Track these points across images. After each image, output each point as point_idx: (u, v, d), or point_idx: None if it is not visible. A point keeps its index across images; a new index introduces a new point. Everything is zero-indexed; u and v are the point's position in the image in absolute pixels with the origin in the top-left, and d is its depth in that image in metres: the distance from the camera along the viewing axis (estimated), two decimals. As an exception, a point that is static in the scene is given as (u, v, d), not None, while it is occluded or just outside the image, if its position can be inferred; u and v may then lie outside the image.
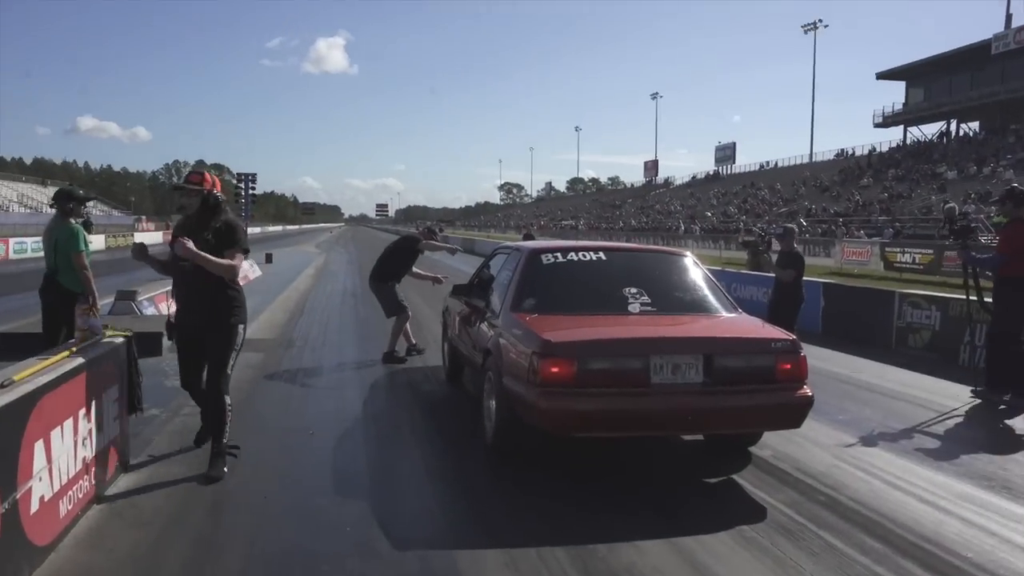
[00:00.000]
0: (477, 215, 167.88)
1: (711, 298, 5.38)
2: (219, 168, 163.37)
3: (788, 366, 4.50)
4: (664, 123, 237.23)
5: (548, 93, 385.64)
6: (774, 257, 15.28)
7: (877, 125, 61.39)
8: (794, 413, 4.55)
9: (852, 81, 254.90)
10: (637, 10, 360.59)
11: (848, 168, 56.94)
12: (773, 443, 5.33)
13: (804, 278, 8.39)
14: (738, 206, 59.13)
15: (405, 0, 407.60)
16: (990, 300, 7.14)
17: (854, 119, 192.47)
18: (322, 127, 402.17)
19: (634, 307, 5.04)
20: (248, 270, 20.07)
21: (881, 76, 60.63)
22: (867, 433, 5.82)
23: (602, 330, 4.73)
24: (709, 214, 59.17)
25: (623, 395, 4.33)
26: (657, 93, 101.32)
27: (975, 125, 55.53)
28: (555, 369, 4.29)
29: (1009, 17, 49.14)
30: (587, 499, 4.32)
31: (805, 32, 68.27)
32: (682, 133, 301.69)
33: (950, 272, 20.20)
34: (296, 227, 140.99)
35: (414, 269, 9.10)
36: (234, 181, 27.77)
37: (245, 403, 6.33)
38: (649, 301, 5.08)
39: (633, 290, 5.13)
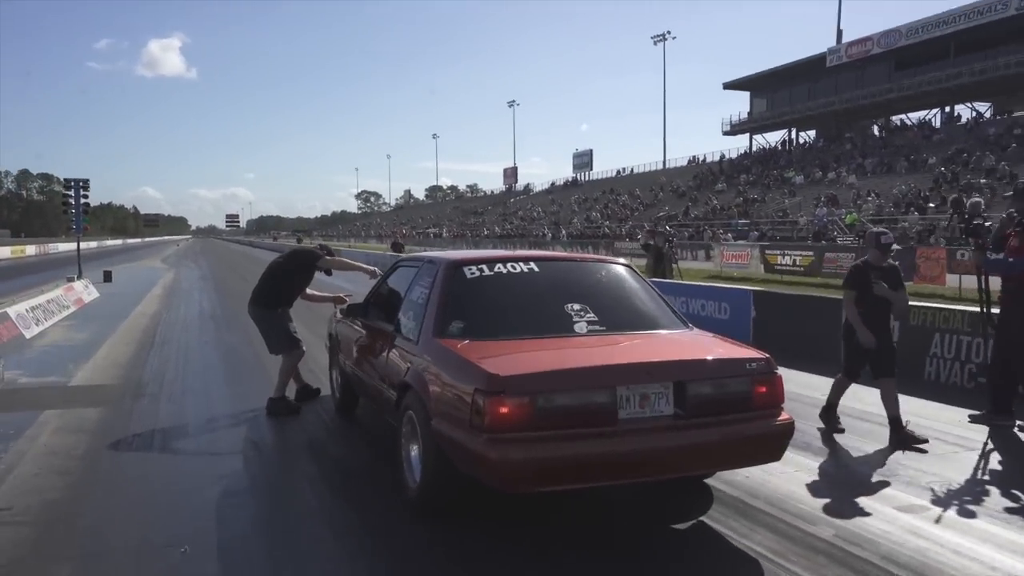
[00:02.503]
0: (334, 224, 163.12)
1: (661, 313, 4.75)
2: (46, 178, 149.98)
3: (764, 389, 3.96)
4: (518, 132, 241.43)
5: (405, 100, 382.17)
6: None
7: (726, 133, 64.02)
8: (775, 444, 3.99)
9: (701, 90, 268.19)
10: (493, 18, 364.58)
11: (701, 174, 58.82)
12: (821, 513, 4.17)
13: (726, 286, 7.27)
14: (600, 211, 59.80)
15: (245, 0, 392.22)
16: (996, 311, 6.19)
17: (703, 127, 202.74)
18: (162, 134, 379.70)
19: (580, 327, 4.33)
20: (82, 291, 17.26)
21: (727, 86, 63.09)
22: (910, 482, 4.73)
23: (557, 357, 3.96)
24: (575, 220, 59.43)
25: (588, 437, 3.61)
26: (514, 101, 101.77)
27: (812, 133, 58.83)
28: (505, 409, 3.52)
29: (840, 32, 52.42)
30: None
31: (655, 43, 70.00)
32: (534, 142, 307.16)
33: (830, 274, 20.46)
34: (138, 240, 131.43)
35: (308, 291, 7.31)
36: (62, 190, 24.11)
37: (75, 497, 4.41)
38: (596, 319, 4.39)
39: (576, 306, 4.44)
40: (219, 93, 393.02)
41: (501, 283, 4.63)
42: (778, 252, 23.07)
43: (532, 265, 4.81)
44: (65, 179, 22.62)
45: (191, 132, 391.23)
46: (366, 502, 4.46)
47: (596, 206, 63.34)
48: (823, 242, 27.79)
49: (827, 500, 4.39)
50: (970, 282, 9.44)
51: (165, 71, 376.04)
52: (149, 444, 5.59)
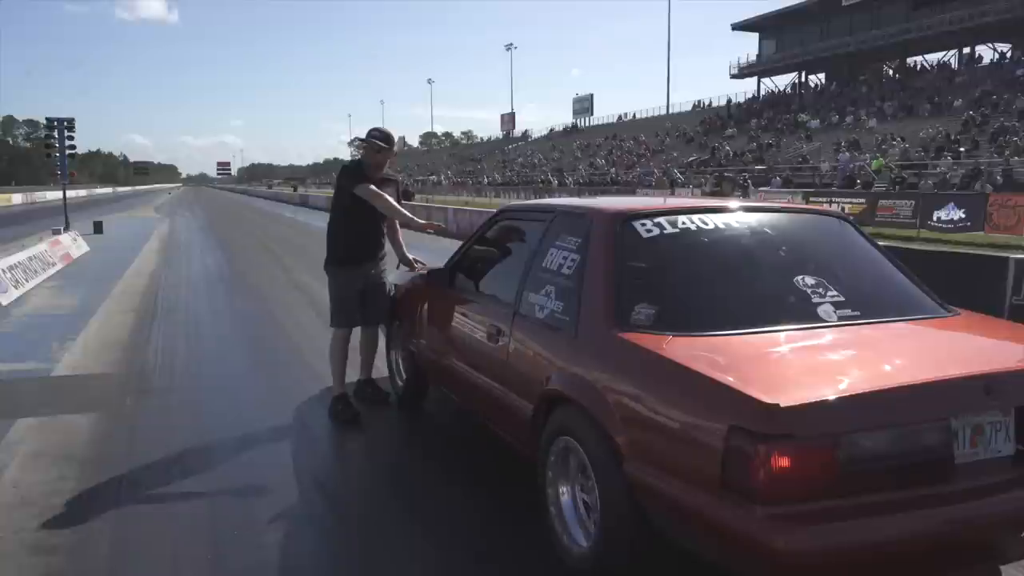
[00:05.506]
0: (328, 172, 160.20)
1: (910, 289, 3.29)
2: (32, 124, 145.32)
3: None
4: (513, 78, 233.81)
5: (399, 44, 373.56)
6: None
7: (733, 76, 62.59)
8: None
9: (704, 35, 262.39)
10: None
11: (709, 119, 57.13)
12: None
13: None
14: (604, 157, 58.09)
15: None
16: None
17: (706, 74, 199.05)
18: (147, 80, 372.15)
19: (826, 311, 2.89)
20: (70, 245, 15.60)
21: (736, 27, 61.40)
22: None
23: (848, 369, 2.52)
24: (579, 167, 57.61)
25: (917, 504, 2.29)
26: (512, 44, 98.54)
27: (823, 76, 57.11)
28: (792, 463, 2.17)
29: (857, -31, 50.16)
30: None
31: (661, -18, 67.35)
32: (528, 89, 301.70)
33: (883, 223, 18.99)
34: (128, 189, 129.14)
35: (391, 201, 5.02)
36: (43, 134, 22.05)
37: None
38: (841, 299, 2.95)
39: (809, 280, 3.00)
40: (202, 37, 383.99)
41: (695, 245, 3.18)
42: (824, 200, 21.56)
43: (729, 218, 3.32)
44: (47, 118, 20.51)
45: (176, 78, 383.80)
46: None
47: (600, 152, 61.60)
48: (855, 188, 26.39)
49: None
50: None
51: (145, 14, 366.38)
52: (165, 483, 3.89)
